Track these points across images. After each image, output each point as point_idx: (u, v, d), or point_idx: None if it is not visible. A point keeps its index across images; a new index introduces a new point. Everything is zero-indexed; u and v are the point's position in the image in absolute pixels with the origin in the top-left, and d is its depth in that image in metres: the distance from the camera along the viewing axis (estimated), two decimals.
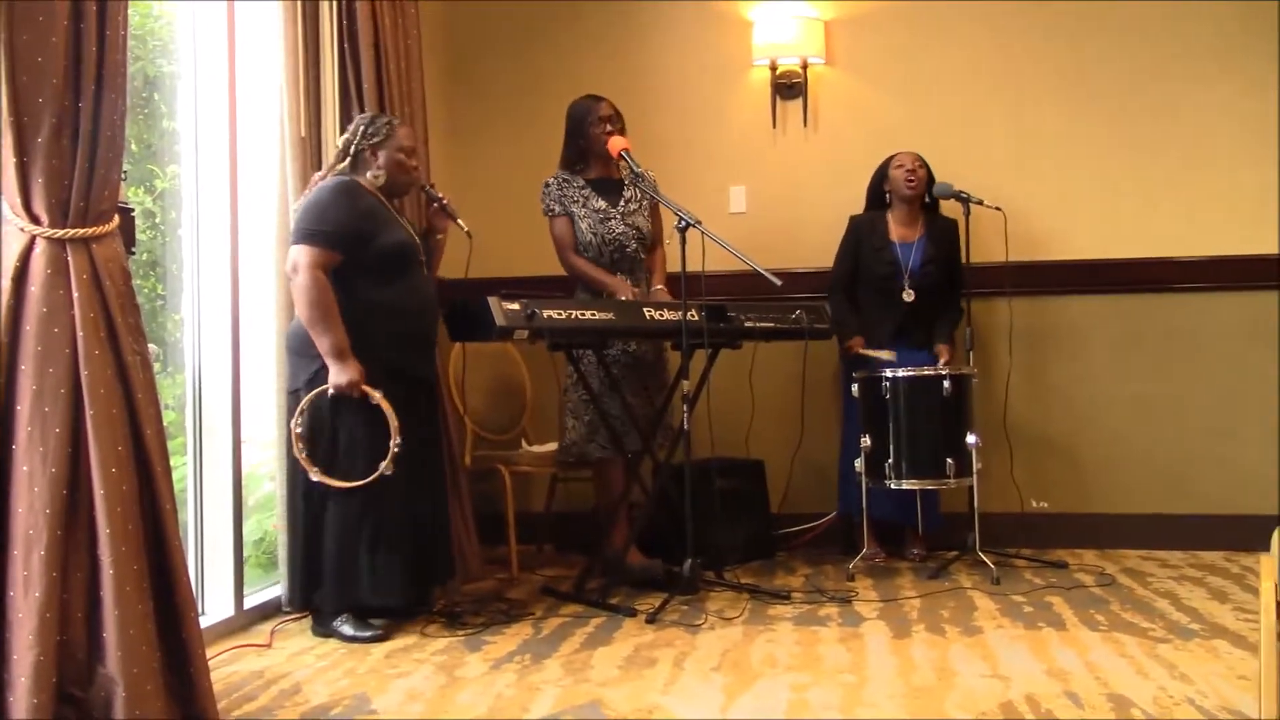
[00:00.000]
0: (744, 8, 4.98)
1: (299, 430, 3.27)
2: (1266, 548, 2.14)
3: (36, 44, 2.29)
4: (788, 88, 4.95)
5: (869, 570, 4.23)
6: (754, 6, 4.96)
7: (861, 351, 4.34)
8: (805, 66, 4.91)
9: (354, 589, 3.33)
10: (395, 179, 3.51)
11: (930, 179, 4.50)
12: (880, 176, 4.55)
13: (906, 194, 4.45)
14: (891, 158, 4.52)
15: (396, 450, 3.25)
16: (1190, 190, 4.68)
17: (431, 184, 3.86)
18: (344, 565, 3.32)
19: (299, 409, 3.28)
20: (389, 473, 3.25)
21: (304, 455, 3.27)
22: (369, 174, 3.46)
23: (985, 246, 4.50)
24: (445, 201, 3.71)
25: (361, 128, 3.48)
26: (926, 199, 4.51)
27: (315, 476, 3.26)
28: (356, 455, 3.30)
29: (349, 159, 3.46)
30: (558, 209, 4.11)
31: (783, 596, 3.79)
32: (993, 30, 4.83)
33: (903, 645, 3.20)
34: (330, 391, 3.26)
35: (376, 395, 3.27)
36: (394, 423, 3.25)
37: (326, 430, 3.32)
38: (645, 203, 4.20)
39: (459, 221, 3.70)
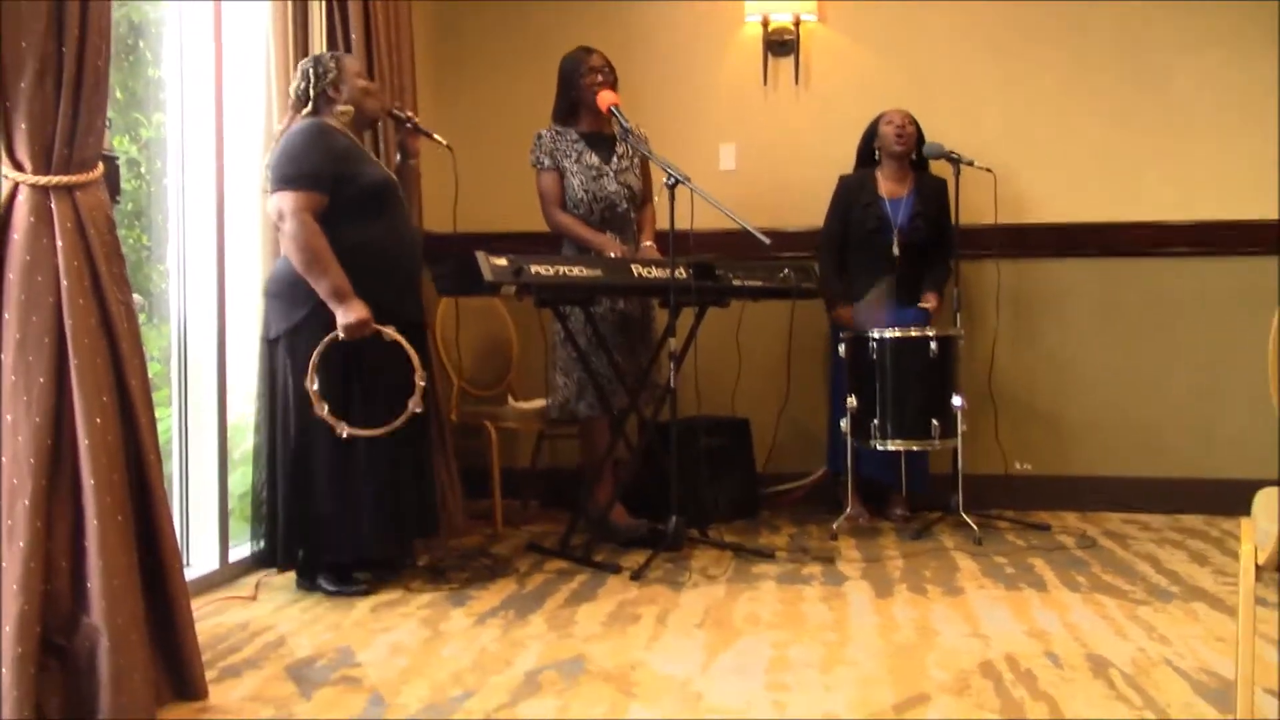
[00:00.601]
0: None
1: (315, 388, 3.14)
2: (1247, 512, 2.15)
3: None
4: (780, 45, 4.90)
5: (853, 530, 4.26)
6: None
7: (852, 320, 4.33)
8: (798, 23, 4.87)
9: (340, 541, 3.30)
10: (364, 107, 3.42)
11: (920, 137, 4.48)
12: (870, 134, 4.54)
13: (896, 150, 4.44)
14: (881, 115, 4.50)
15: (424, 385, 3.20)
16: (1179, 155, 4.68)
17: (397, 105, 3.74)
18: (330, 518, 3.26)
19: (312, 365, 3.14)
20: (419, 410, 3.20)
21: (327, 412, 3.15)
22: (337, 110, 3.37)
23: (974, 208, 4.50)
24: (414, 119, 3.61)
25: (311, 70, 3.37)
26: (915, 157, 4.50)
27: (344, 433, 3.16)
28: (376, 399, 3.22)
29: (310, 103, 3.35)
30: (548, 162, 4.07)
31: (766, 555, 3.82)
32: None
33: (885, 605, 3.23)
34: (340, 335, 3.16)
35: (390, 330, 3.19)
36: (415, 356, 3.19)
37: (338, 380, 3.21)
38: (637, 160, 4.17)
39: (434, 136, 3.61)
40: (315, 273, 3.17)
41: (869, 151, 4.54)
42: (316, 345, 3.16)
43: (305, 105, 3.36)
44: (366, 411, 3.23)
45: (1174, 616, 3.07)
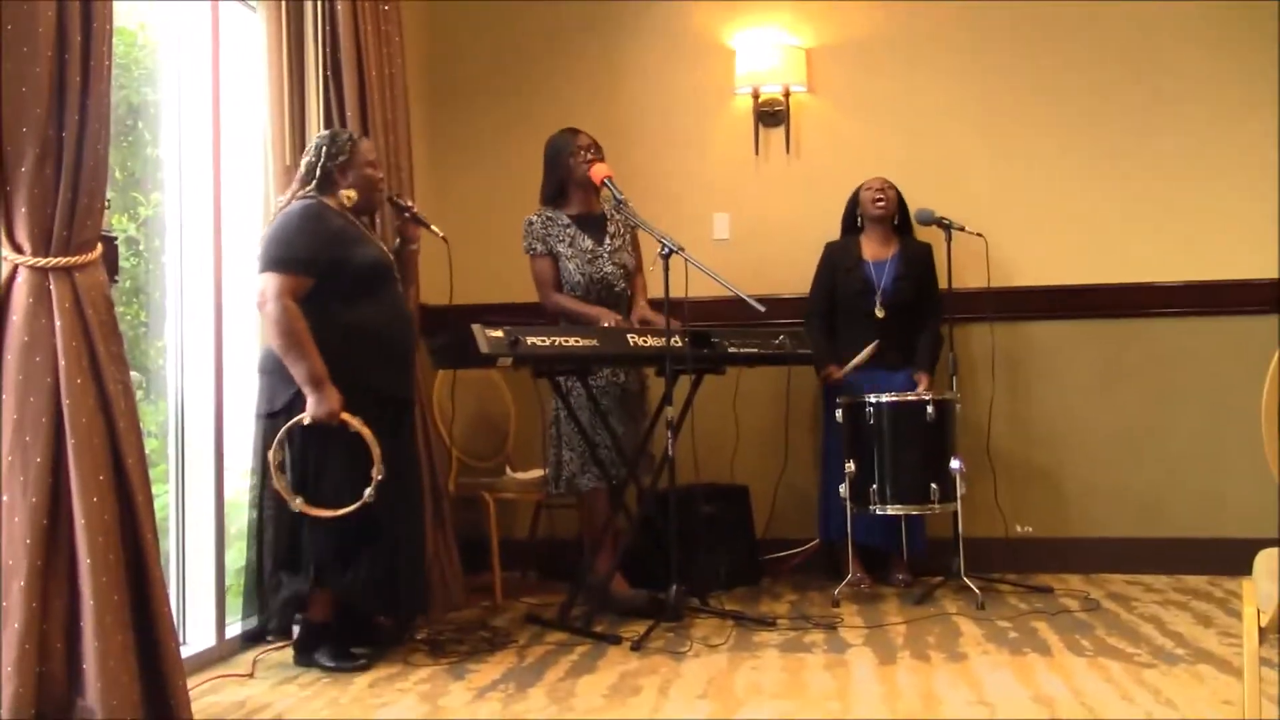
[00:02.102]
0: (726, 36, 5.02)
1: (278, 461, 3.20)
2: (1249, 571, 2.15)
3: (20, 74, 2.29)
4: (770, 115, 4.98)
5: (854, 596, 4.23)
6: (736, 35, 5.00)
7: (841, 374, 4.36)
8: (787, 94, 4.95)
9: (335, 614, 3.29)
10: (367, 196, 3.46)
11: (900, 201, 4.55)
12: (852, 202, 4.63)
13: (875, 213, 4.51)
14: (861, 184, 4.59)
15: (379, 478, 3.21)
16: (1169, 216, 4.73)
17: (398, 194, 3.79)
18: (319, 588, 3.27)
19: (277, 439, 3.21)
20: (370, 500, 3.21)
21: (285, 486, 3.21)
22: (340, 194, 3.39)
23: (967, 272, 4.54)
24: (413, 209, 3.65)
25: (324, 147, 3.39)
26: (896, 220, 4.57)
27: (296, 507, 3.21)
28: (337, 483, 3.24)
29: (315, 181, 3.37)
30: (540, 248, 4.11)
31: (768, 623, 3.78)
32: (972, 58, 4.88)
33: (888, 672, 3.19)
34: (307, 421, 3.20)
35: (355, 423, 3.20)
36: (376, 450, 3.21)
37: (307, 459, 3.25)
38: (628, 237, 4.22)
39: (432, 227, 3.64)
40: (293, 357, 3.19)
41: (852, 219, 4.62)
42: (303, 426, 3.20)
43: (310, 182, 3.38)
44: (336, 490, 3.22)
45: (1180, 680, 3.04)
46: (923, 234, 4.60)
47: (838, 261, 4.58)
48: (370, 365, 3.33)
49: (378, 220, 3.83)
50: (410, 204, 3.69)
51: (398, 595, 3.41)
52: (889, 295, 4.47)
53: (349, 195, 3.40)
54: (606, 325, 3.91)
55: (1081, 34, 4.80)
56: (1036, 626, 3.71)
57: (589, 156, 4.08)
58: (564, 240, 4.10)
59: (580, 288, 4.08)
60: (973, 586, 4.05)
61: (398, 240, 3.70)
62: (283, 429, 3.21)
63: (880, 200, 4.51)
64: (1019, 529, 4.71)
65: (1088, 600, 4.10)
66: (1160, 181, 4.74)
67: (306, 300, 3.24)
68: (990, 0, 4.86)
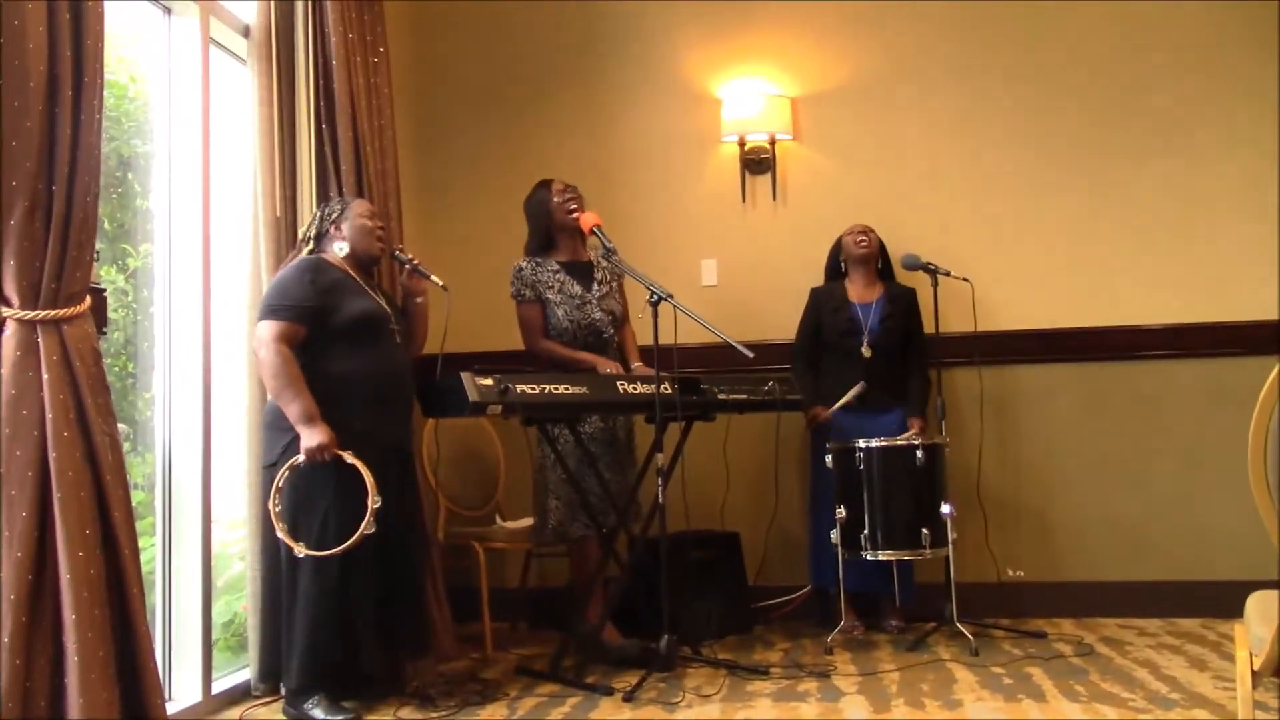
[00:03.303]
0: (713, 85, 5.07)
1: (278, 509, 3.23)
2: (1241, 614, 2.14)
3: (11, 128, 2.30)
4: (756, 163, 5.02)
5: (847, 643, 4.20)
6: (722, 84, 5.06)
7: (828, 414, 4.37)
8: (773, 142, 4.99)
9: (325, 660, 3.27)
10: (361, 243, 3.54)
11: (882, 247, 4.60)
12: (835, 249, 4.68)
13: (858, 254, 4.56)
14: (844, 231, 4.64)
15: (376, 507, 3.21)
16: (1155, 259, 4.76)
17: (400, 247, 3.87)
18: (314, 638, 3.25)
19: (275, 486, 3.24)
20: (370, 531, 3.20)
21: (285, 532, 3.22)
22: (335, 247, 3.52)
23: (953, 317, 4.56)
24: (414, 261, 3.71)
25: (320, 213, 3.59)
26: (880, 265, 4.61)
27: (301, 552, 3.20)
28: (336, 522, 3.25)
29: (314, 241, 3.55)
30: (529, 294, 4.12)
31: (761, 672, 3.75)
32: (956, 104, 4.94)
33: (883, 719, 3.17)
34: (301, 458, 3.23)
35: (348, 455, 3.24)
36: (370, 480, 3.22)
37: (303, 501, 3.28)
38: (615, 284, 4.24)
39: (433, 277, 3.67)
40: (286, 398, 3.27)
41: (836, 265, 4.67)
42: (299, 471, 3.25)
43: (308, 243, 3.54)
44: (338, 532, 3.24)
45: None
46: (907, 279, 4.63)
47: (824, 303, 4.61)
48: (361, 412, 3.38)
49: (385, 277, 3.85)
50: (410, 256, 3.74)
51: (393, 641, 3.43)
52: (876, 335, 4.49)
53: (340, 247, 3.52)
54: (606, 371, 3.92)
55: (1066, 78, 4.86)
56: (1030, 672, 3.69)
57: (569, 201, 4.10)
58: (553, 286, 4.11)
59: (568, 334, 4.09)
60: (966, 632, 4.02)
61: (404, 295, 3.74)
62: (278, 478, 3.24)
63: (863, 240, 4.56)
64: (1010, 573, 4.69)
65: (1081, 645, 4.08)
66: (1146, 225, 4.78)
67: (302, 349, 3.33)
68: (975, 44, 4.93)
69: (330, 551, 3.21)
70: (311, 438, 3.23)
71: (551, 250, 4.19)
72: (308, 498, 3.28)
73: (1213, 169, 4.73)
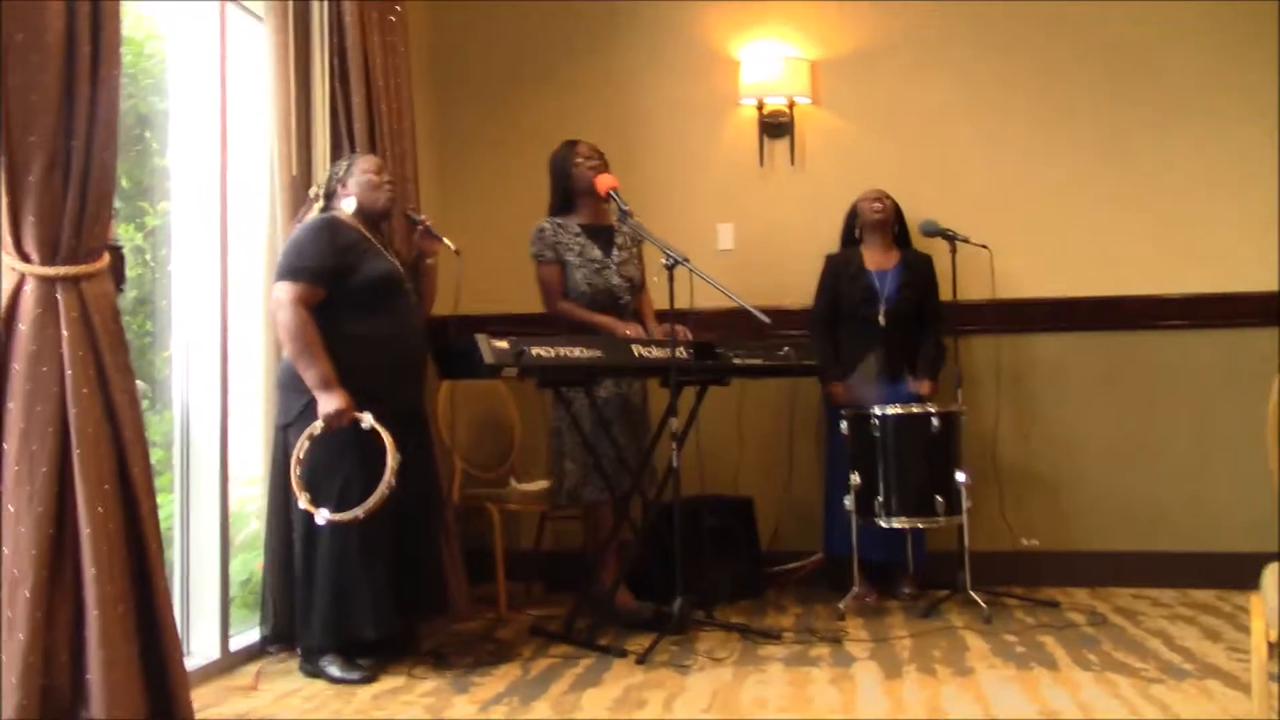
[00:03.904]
0: (731, 47, 5.02)
1: (298, 474, 3.21)
2: (1257, 585, 2.14)
3: (29, 84, 2.29)
4: (774, 126, 4.98)
5: (860, 609, 4.21)
6: (741, 46, 5.01)
7: (846, 400, 4.36)
8: (792, 105, 4.95)
9: (346, 623, 3.29)
10: (368, 198, 3.50)
11: (898, 212, 4.56)
12: (851, 215, 4.65)
13: (873, 219, 4.53)
14: (859, 196, 4.60)
15: (395, 466, 3.21)
16: (1174, 228, 4.72)
17: (412, 208, 3.86)
18: (336, 599, 3.27)
19: (295, 453, 3.23)
20: (388, 490, 3.20)
21: (307, 499, 3.20)
22: (343, 204, 3.49)
23: (971, 284, 4.53)
24: (427, 223, 3.69)
25: (328, 173, 3.58)
26: (895, 231, 4.58)
27: (321, 519, 3.19)
28: (354, 484, 3.25)
29: (325, 199, 3.52)
30: (549, 255, 4.11)
31: (773, 636, 3.77)
32: (977, 68, 4.88)
33: (894, 686, 3.18)
34: (319, 425, 3.23)
35: (368, 418, 3.24)
36: (389, 441, 3.22)
37: (322, 467, 3.27)
38: (635, 250, 4.22)
39: (445, 240, 3.66)
40: (304, 362, 3.26)
41: (851, 232, 4.64)
42: (317, 437, 3.24)
43: (319, 200, 3.51)
44: (360, 496, 3.23)
45: (1188, 695, 3.02)
46: (923, 245, 4.59)
47: (840, 270, 4.58)
48: (380, 375, 3.38)
49: (398, 238, 3.84)
50: (423, 218, 3.73)
51: (411, 602, 3.44)
52: (892, 303, 4.47)
53: (349, 203, 3.49)
54: (627, 333, 3.92)
55: (1088, 44, 4.80)
56: (1043, 641, 3.69)
57: (592, 163, 4.09)
58: (573, 249, 4.10)
59: (585, 298, 4.08)
60: (979, 600, 4.03)
61: (415, 255, 3.73)
62: (297, 446, 3.23)
63: (879, 206, 4.53)
64: (1024, 542, 4.69)
65: (1094, 614, 4.08)
66: (1165, 193, 4.74)
67: (319, 310, 3.31)
68: (995, 9, 4.86)
69: (352, 513, 3.19)
70: (330, 403, 3.23)
71: (572, 212, 4.18)
72: (327, 463, 3.27)
73: (1232, 135, 4.68)
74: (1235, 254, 4.64)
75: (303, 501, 3.21)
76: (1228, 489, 4.58)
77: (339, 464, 3.27)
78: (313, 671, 3.36)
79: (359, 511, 3.19)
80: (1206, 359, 4.67)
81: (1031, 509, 4.72)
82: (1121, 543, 4.68)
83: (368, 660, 3.39)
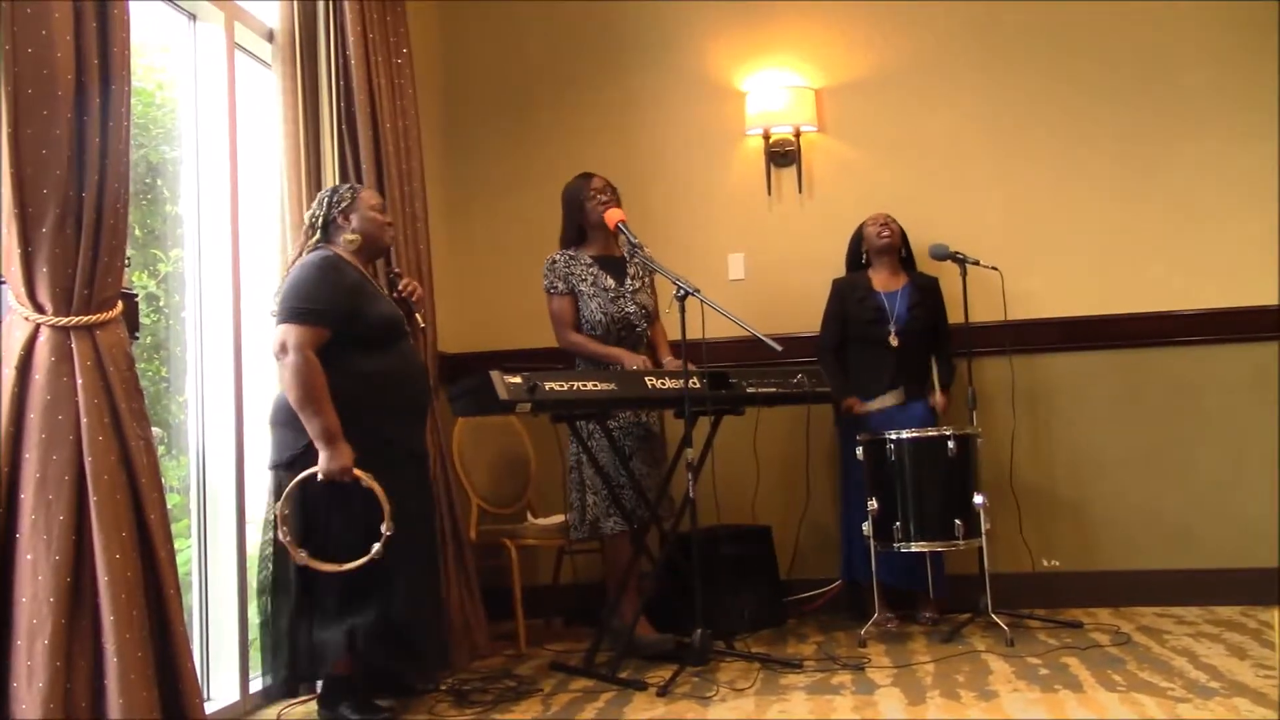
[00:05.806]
0: (737, 79, 5.06)
1: (285, 513, 3.13)
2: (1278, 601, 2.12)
3: (40, 136, 2.33)
4: (781, 155, 5.01)
5: (881, 636, 4.19)
6: (746, 77, 5.04)
7: (864, 409, 4.37)
8: (798, 134, 4.98)
9: (355, 668, 3.26)
10: (372, 236, 3.42)
11: (903, 235, 4.59)
12: (856, 239, 4.66)
13: (880, 244, 4.54)
14: (865, 220, 4.62)
15: (388, 534, 3.12)
16: (1184, 244, 4.71)
17: (396, 270, 3.71)
18: (337, 642, 3.20)
19: (285, 493, 3.14)
20: (379, 557, 3.12)
21: (289, 539, 3.12)
22: (343, 239, 3.38)
23: (982, 306, 4.53)
24: (402, 294, 3.55)
25: (326, 199, 3.41)
26: (903, 253, 4.60)
27: (301, 561, 3.12)
28: (347, 537, 3.17)
29: (321, 231, 3.38)
30: (562, 286, 4.13)
31: (795, 665, 3.74)
32: (981, 92, 4.91)
33: (918, 712, 3.15)
34: (319, 477, 3.13)
35: (367, 478, 3.14)
36: (386, 506, 3.12)
37: (316, 512, 3.19)
38: (647, 279, 4.24)
39: (416, 316, 3.56)
40: (309, 411, 3.12)
41: (857, 256, 4.65)
42: (314, 483, 3.14)
43: (315, 233, 3.38)
44: (347, 543, 3.15)
45: (1216, 714, 2.98)
46: (931, 268, 4.60)
47: (848, 294, 4.60)
48: (385, 416, 3.29)
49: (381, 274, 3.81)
50: (403, 287, 3.57)
51: (408, 646, 3.33)
52: (903, 323, 4.47)
53: (353, 239, 3.38)
54: (633, 368, 3.92)
55: (1092, 65, 4.82)
56: (1067, 662, 3.66)
57: (604, 199, 4.12)
58: (586, 279, 4.12)
59: (600, 327, 4.10)
60: (1001, 623, 4.00)
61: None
62: (293, 482, 3.14)
63: (885, 231, 4.54)
64: (1045, 563, 4.66)
65: (1118, 634, 4.04)
66: (1175, 209, 4.74)
67: (322, 351, 3.20)
68: (997, 35, 4.89)
69: (336, 567, 3.11)
70: (333, 460, 3.11)
71: (583, 244, 4.21)
72: (322, 508, 3.17)
73: (1245, 149, 4.67)
74: (1248, 268, 4.62)
75: (283, 539, 3.11)
76: (1248, 504, 4.54)
77: (329, 510, 3.17)
78: (332, 716, 3.32)
79: (339, 567, 3.11)
80: (1222, 375, 4.64)
81: (1051, 529, 4.69)
82: (1143, 561, 4.64)
83: (387, 700, 3.37)
